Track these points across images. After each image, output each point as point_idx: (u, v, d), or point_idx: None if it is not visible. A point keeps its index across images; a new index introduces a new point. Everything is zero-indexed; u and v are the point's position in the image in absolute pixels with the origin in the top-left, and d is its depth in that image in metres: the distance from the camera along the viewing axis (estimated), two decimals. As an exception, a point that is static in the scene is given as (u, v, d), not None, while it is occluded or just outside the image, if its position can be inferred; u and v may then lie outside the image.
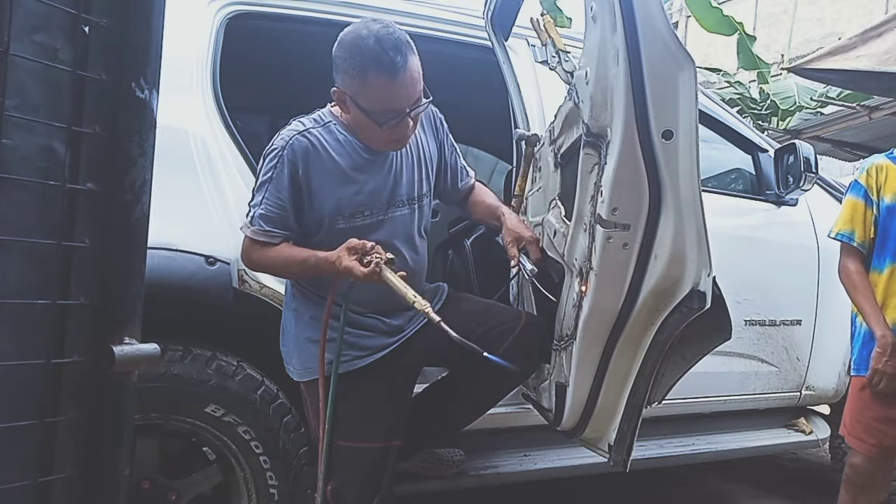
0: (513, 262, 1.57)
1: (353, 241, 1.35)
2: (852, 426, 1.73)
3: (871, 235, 1.70)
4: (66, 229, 0.65)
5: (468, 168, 1.73)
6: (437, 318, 1.30)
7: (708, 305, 1.23)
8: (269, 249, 1.42)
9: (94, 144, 0.66)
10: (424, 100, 1.39)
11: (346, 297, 1.42)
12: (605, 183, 1.26)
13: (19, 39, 0.60)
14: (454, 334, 1.28)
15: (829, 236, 1.79)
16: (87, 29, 0.65)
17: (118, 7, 0.67)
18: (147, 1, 0.68)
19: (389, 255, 1.35)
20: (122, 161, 0.67)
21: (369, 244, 1.35)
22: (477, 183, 1.76)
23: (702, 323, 1.30)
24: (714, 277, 1.24)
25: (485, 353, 1.30)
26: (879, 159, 1.77)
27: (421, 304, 1.32)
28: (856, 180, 1.78)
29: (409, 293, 1.32)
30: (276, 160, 1.38)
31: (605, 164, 1.27)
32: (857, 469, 1.74)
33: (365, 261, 1.32)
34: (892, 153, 1.76)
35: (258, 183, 1.41)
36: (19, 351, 0.63)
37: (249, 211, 1.42)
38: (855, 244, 1.73)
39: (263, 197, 1.39)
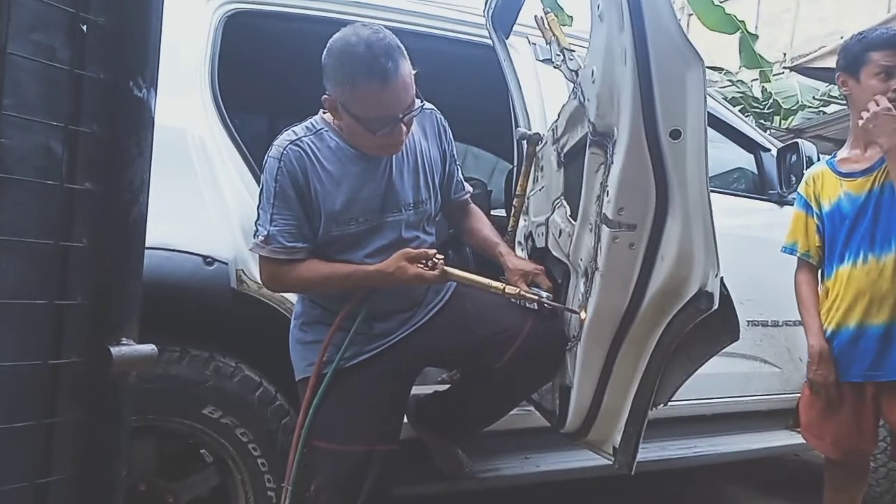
0: (528, 296, 1.48)
1: (410, 251, 1.40)
2: (808, 425, 1.74)
3: (818, 244, 1.71)
4: (63, 229, 0.64)
5: (465, 183, 1.70)
6: (536, 297, 1.45)
7: (716, 306, 1.22)
8: (297, 266, 1.39)
9: (91, 144, 0.65)
10: (418, 103, 1.38)
11: (364, 306, 1.45)
12: (612, 183, 1.25)
13: (17, 38, 0.60)
14: (566, 307, 1.48)
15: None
16: (85, 28, 0.64)
17: (116, 6, 0.66)
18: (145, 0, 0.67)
19: (440, 256, 1.42)
20: (120, 160, 0.67)
21: (431, 251, 1.42)
22: (474, 207, 1.73)
23: (709, 324, 1.30)
24: (722, 278, 1.23)
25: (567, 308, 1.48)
26: (818, 167, 1.78)
27: (510, 288, 1.44)
28: (797, 192, 1.80)
29: (491, 283, 1.45)
30: (275, 173, 1.37)
31: (612, 163, 1.26)
32: (829, 469, 1.75)
33: (429, 265, 1.39)
34: (831, 159, 1.76)
35: (263, 200, 1.39)
36: (17, 351, 0.62)
37: (259, 231, 1.38)
38: (798, 255, 1.74)
39: (273, 213, 1.36)
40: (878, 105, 1.52)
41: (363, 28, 1.32)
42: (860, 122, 1.56)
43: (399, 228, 1.47)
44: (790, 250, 1.76)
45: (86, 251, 0.66)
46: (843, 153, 1.73)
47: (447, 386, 1.80)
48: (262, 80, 2.62)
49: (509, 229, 1.98)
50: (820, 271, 1.75)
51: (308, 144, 1.40)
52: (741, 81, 7.80)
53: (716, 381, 2.17)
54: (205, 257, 1.54)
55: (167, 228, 1.48)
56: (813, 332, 1.68)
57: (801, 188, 1.77)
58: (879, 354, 1.59)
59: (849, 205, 1.64)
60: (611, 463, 1.49)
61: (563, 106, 1.59)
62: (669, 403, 1.64)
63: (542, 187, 1.78)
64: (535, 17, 1.83)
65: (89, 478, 0.68)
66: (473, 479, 1.84)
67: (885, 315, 1.58)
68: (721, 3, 6.88)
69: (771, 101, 7.18)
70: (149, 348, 0.68)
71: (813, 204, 1.72)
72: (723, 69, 8.08)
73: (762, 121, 7.13)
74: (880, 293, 1.58)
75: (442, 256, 1.41)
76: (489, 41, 2.06)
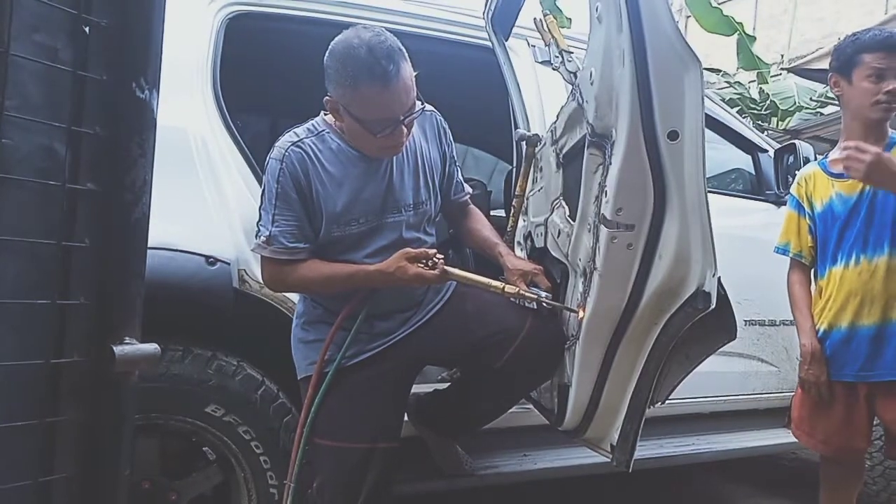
0: (527, 295, 1.49)
1: (411, 251, 1.40)
2: (798, 422, 1.75)
3: (810, 244, 1.72)
4: (65, 229, 0.65)
5: (465, 184, 1.71)
6: (535, 297, 1.44)
7: (713, 306, 1.22)
8: (299, 267, 1.41)
9: (94, 144, 0.66)
10: (418, 105, 1.39)
11: (365, 305, 1.46)
12: (610, 183, 1.26)
13: (20, 39, 0.61)
14: (564, 306, 1.49)
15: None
16: (87, 29, 0.65)
17: (119, 7, 0.67)
18: (147, 1, 0.68)
19: (440, 255, 1.42)
20: (123, 161, 0.67)
21: (431, 251, 1.42)
22: (473, 208, 1.74)
23: (707, 323, 1.30)
24: (719, 278, 1.24)
25: (571, 308, 1.47)
26: (810, 168, 1.78)
27: (510, 288, 1.44)
28: (790, 192, 1.80)
29: (491, 282, 1.45)
30: (277, 174, 1.38)
31: (610, 164, 1.26)
32: (825, 468, 1.76)
33: (429, 265, 1.39)
34: (823, 159, 1.76)
35: (265, 202, 1.40)
36: (19, 351, 0.63)
37: (261, 231, 1.40)
38: (791, 255, 1.75)
39: (274, 214, 1.38)
40: (850, 147, 1.50)
41: (365, 31, 1.32)
42: (834, 162, 1.56)
43: (399, 229, 1.48)
44: (783, 251, 1.77)
45: (88, 251, 0.66)
46: (835, 154, 1.74)
47: (447, 384, 1.81)
48: (263, 82, 2.62)
49: (508, 229, 1.98)
50: (813, 271, 1.76)
51: (310, 146, 1.41)
52: (739, 83, 7.81)
53: (713, 379, 2.18)
54: (207, 257, 1.55)
55: (169, 229, 1.49)
56: (805, 331, 1.69)
57: (794, 189, 1.78)
58: (871, 355, 1.59)
59: (840, 205, 1.65)
60: (609, 460, 1.50)
61: (562, 107, 1.59)
62: (667, 401, 1.65)
63: (541, 188, 1.78)
64: (535, 19, 1.84)
65: (92, 476, 0.68)
66: (473, 477, 1.85)
67: (875, 316, 1.59)
68: (719, 4, 6.88)
69: (768, 102, 7.19)
70: (151, 347, 0.69)
71: (805, 204, 1.73)
72: (720, 70, 8.09)
73: (760, 122, 7.14)
74: (871, 294, 1.58)
75: (442, 256, 1.42)
76: (489, 43, 2.06)
